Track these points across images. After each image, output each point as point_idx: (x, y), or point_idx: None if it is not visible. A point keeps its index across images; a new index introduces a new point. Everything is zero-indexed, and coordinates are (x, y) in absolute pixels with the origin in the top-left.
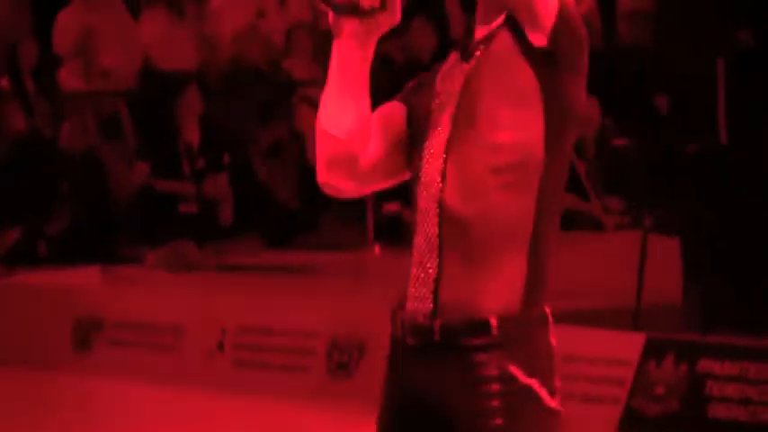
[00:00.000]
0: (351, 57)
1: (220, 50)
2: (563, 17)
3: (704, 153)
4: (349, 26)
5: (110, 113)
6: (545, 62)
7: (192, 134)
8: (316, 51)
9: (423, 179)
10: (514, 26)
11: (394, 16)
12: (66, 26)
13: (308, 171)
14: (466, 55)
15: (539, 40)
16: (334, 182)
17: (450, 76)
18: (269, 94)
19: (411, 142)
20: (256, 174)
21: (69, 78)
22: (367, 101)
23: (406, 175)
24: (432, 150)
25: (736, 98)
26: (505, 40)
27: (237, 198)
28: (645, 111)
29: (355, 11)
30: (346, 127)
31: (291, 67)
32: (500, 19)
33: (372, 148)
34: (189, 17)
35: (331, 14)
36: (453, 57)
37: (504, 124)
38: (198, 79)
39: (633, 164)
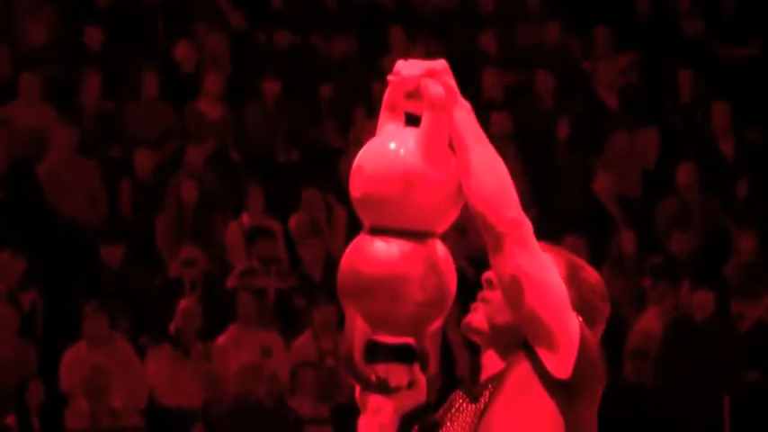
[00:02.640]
0: None
1: (225, 388)
2: (584, 350)
3: None
4: (373, 403)
5: None
6: (566, 393)
7: None
8: (321, 390)
9: None
10: (533, 358)
11: (420, 395)
12: (72, 365)
13: None
14: (473, 396)
15: (562, 372)
16: None
17: (459, 419)
18: (274, 431)
19: None
20: None
21: (75, 418)
22: None
23: None
24: None
25: None
26: (522, 372)
27: None
28: None
29: (384, 389)
30: None
31: (297, 405)
32: (513, 356)
33: None
34: (194, 355)
35: (358, 389)
36: (458, 396)
37: None
38: (203, 416)
39: None
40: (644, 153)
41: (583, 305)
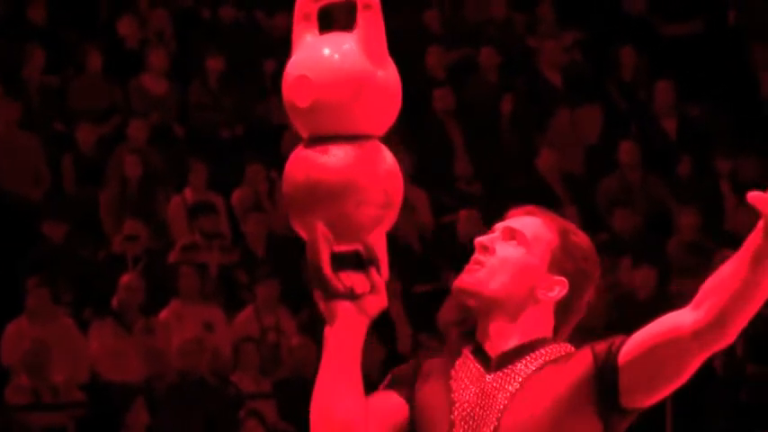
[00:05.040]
0: (344, 342)
1: (168, 362)
2: None
3: None
4: (343, 311)
5: (58, 426)
6: (617, 419)
7: None
8: (263, 365)
9: None
10: (603, 379)
11: (382, 300)
12: (14, 340)
13: None
14: (490, 364)
15: (636, 402)
16: None
17: (478, 387)
18: (216, 407)
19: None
20: None
21: (16, 393)
22: (361, 388)
23: None
24: None
25: (684, 412)
26: (575, 375)
27: None
28: None
29: (352, 296)
30: (341, 418)
31: (239, 380)
32: (556, 347)
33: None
34: (136, 330)
35: (322, 301)
36: (467, 357)
37: None
38: (145, 392)
39: None
40: (587, 130)
41: (575, 271)
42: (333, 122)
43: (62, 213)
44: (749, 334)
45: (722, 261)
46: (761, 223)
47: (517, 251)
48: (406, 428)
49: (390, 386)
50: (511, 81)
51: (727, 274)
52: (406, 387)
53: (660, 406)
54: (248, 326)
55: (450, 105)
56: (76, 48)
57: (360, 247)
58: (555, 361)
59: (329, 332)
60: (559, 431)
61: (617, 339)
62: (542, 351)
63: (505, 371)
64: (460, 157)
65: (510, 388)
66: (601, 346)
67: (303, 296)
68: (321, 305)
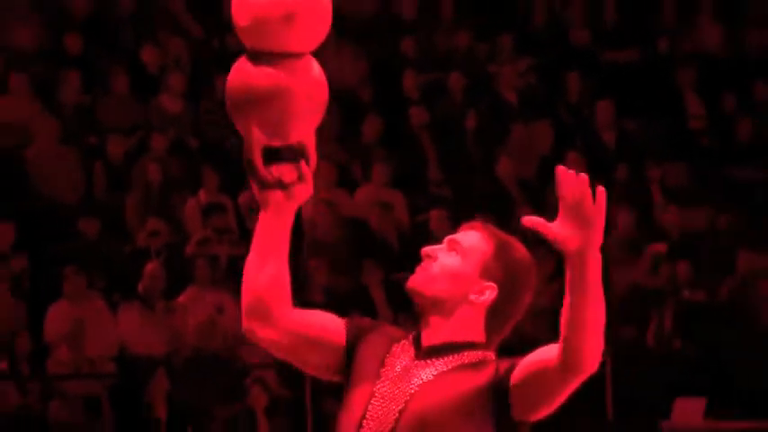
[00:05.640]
0: (274, 225)
1: (185, 339)
2: None
3: (594, 428)
4: (274, 198)
5: (92, 393)
6: (509, 429)
7: (160, 411)
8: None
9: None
10: (499, 394)
11: (309, 189)
12: (55, 319)
13: None
14: (419, 352)
15: (524, 417)
16: (251, 327)
17: (403, 370)
18: (226, 376)
19: (343, 372)
20: None
21: (57, 365)
22: (286, 262)
23: (301, 366)
24: (374, 426)
25: (622, 381)
26: (479, 384)
27: None
28: None
29: (280, 185)
30: (264, 282)
31: (245, 353)
32: (481, 354)
33: (295, 319)
34: (158, 311)
35: (256, 189)
36: (405, 344)
37: None
38: (166, 364)
39: None
40: (539, 142)
41: (505, 278)
42: (268, 40)
43: (95, 213)
44: (677, 313)
45: (652, 252)
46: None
47: (454, 260)
48: (330, 364)
49: (346, 321)
50: (474, 100)
51: (563, 311)
52: (355, 332)
53: (600, 376)
54: None
55: (424, 121)
56: (106, 72)
57: (290, 143)
58: (472, 365)
59: (262, 216)
60: (455, 425)
61: (517, 360)
62: (465, 354)
63: (428, 362)
64: (432, 165)
65: (424, 377)
66: (504, 364)
67: (300, 283)
68: (256, 194)
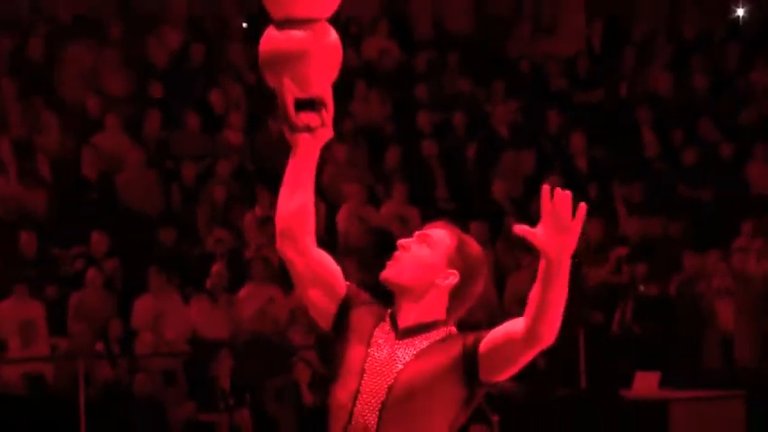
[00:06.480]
0: (302, 162)
1: (243, 325)
2: None
3: (569, 396)
4: (302, 140)
5: (170, 368)
6: (477, 388)
7: (224, 382)
8: (309, 325)
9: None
10: (469, 360)
11: (329, 131)
12: (141, 309)
13: (305, 411)
14: (398, 333)
15: (491, 378)
16: (283, 248)
17: (388, 349)
18: (277, 355)
19: (334, 327)
20: (267, 410)
21: (143, 346)
22: (311, 194)
23: (309, 306)
24: (367, 399)
25: (592, 358)
26: (451, 354)
27: (256, 427)
28: (526, 367)
29: (307, 128)
30: (292, 209)
31: (293, 336)
32: (445, 330)
33: (315, 254)
34: (222, 302)
35: (288, 134)
36: (386, 323)
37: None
38: (228, 345)
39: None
40: (525, 167)
41: (464, 267)
42: (287, 8)
43: (172, 224)
44: (636, 304)
45: (616, 255)
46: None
47: (425, 251)
48: (326, 310)
49: (349, 282)
50: (474, 134)
51: (533, 294)
52: (352, 295)
53: (575, 354)
54: (299, 299)
55: (434, 151)
56: (181, 112)
57: (314, 95)
58: (441, 341)
59: (293, 155)
60: (436, 389)
61: (483, 333)
62: (435, 332)
63: (407, 341)
64: (440, 186)
65: (407, 357)
66: (470, 338)
67: None
68: (288, 137)
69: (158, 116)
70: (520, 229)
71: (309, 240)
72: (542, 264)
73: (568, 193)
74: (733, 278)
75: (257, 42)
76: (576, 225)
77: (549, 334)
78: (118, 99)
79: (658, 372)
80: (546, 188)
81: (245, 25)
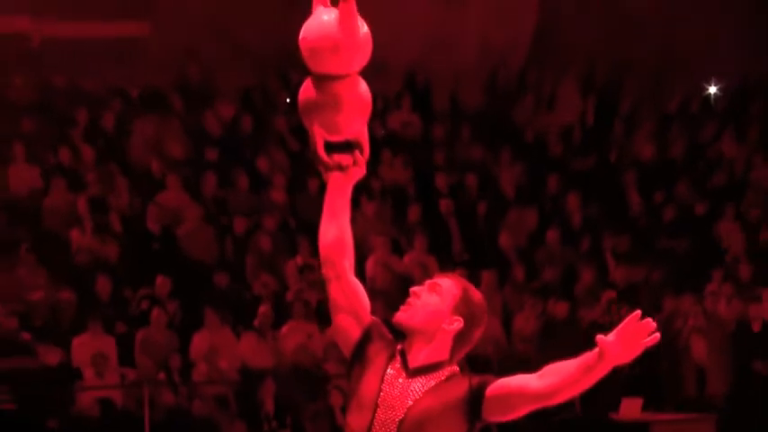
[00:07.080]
0: (336, 197)
1: (286, 358)
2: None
3: (566, 420)
4: (334, 177)
5: (222, 394)
6: (478, 424)
7: (269, 406)
8: (342, 358)
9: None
10: (474, 400)
11: (362, 170)
12: (198, 344)
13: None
14: (408, 371)
15: (492, 419)
16: (327, 275)
17: (399, 386)
18: (314, 384)
19: (352, 354)
20: (306, 431)
21: (199, 375)
22: (347, 223)
23: (339, 333)
24: (380, 431)
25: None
26: (457, 392)
27: None
28: None
29: (339, 167)
30: (330, 238)
31: (328, 367)
32: (449, 369)
33: (351, 282)
34: (268, 338)
35: (323, 173)
36: (396, 365)
37: None
38: (273, 374)
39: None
40: (529, 223)
41: (468, 314)
42: (321, 65)
43: (225, 270)
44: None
45: (607, 300)
46: (598, 350)
47: (434, 299)
48: (349, 339)
49: (373, 317)
50: (484, 194)
51: (568, 368)
52: (373, 328)
53: None
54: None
55: (451, 209)
56: (232, 173)
57: (347, 138)
58: (447, 380)
59: (327, 192)
60: (442, 424)
61: (490, 378)
62: (441, 372)
63: (416, 380)
64: (456, 239)
65: (417, 394)
66: (475, 379)
67: None
68: (323, 175)
69: (213, 177)
70: (600, 338)
71: (347, 265)
72: (594, 356)
73: (652, 323)
74: (706, 318)
75: (298, 115)
76: (640, 350)
77: (562, 400)
78: (178, 163)
79: (642, 397)
80: (637, 313)
81: (288, 100)
